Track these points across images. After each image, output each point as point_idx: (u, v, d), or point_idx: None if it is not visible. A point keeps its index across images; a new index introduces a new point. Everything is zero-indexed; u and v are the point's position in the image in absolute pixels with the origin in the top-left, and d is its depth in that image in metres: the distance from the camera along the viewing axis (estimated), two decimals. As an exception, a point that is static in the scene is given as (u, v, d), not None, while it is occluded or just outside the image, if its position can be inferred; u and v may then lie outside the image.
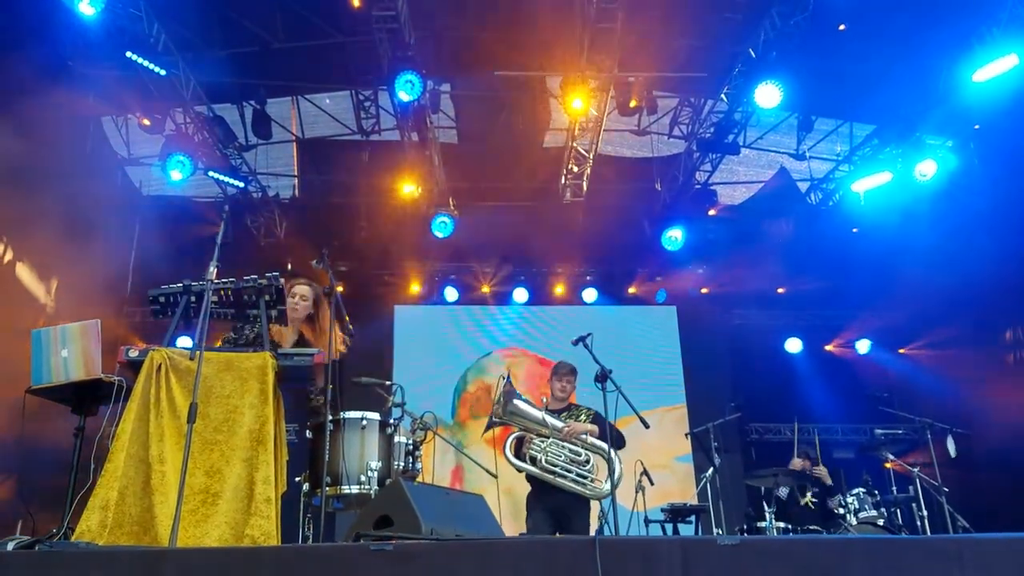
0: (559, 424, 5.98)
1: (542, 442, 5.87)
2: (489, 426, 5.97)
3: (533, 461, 5.83)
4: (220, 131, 10.46)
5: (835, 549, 3.04)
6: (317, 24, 9.79)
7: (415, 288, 13.00)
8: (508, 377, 6.00)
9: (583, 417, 6.16)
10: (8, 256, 9.24)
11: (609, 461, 5.51)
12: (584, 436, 5.96)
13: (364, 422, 5.04)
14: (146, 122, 10.16)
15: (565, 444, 5.88)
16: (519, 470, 5.95)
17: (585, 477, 5.87)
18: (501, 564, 3.06)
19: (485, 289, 13.24)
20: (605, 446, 5.74)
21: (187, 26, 8.88)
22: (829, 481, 7.50)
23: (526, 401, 6.07)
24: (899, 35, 9.29)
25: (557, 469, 5.82)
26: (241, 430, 4.31)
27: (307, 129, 12.29)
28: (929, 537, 5.61)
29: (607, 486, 5.70)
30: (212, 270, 4.28)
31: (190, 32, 8.98)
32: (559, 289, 13.20)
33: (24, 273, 9.46)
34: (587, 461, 5.91)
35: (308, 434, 5.07)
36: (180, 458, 3.93)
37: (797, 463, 7.81)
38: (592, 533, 6.08)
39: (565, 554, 3.05)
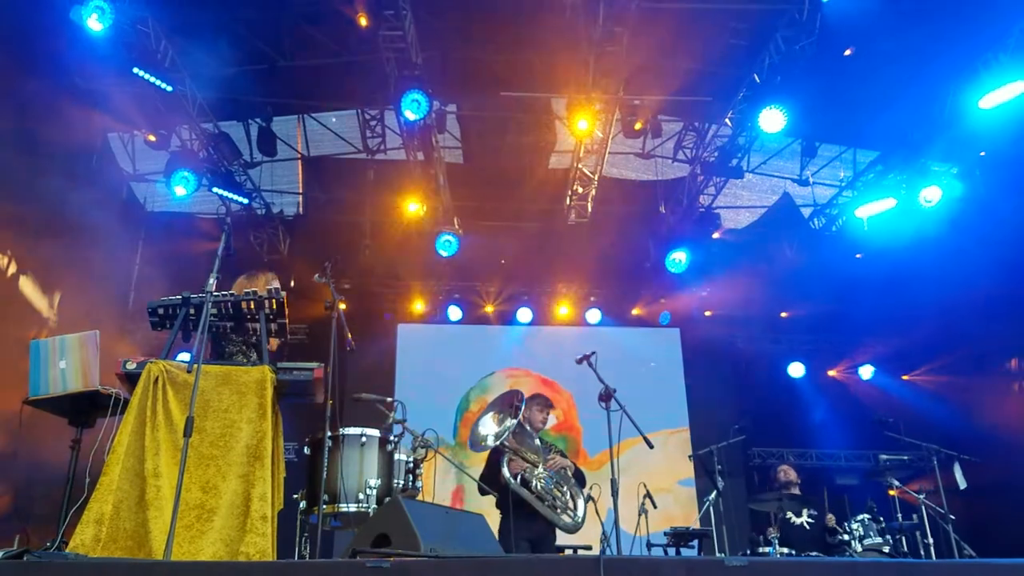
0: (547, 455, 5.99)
1: (535, 469, 5.83)
2: (484, 447, 5.80)
3: (526, 485, 5.75)
4: (225, 148, 10.49)
5: (842, 572, 2.98)
6: (325, 43, 9.84)
7: (418, 307, 12.98)
8: (524, 397, 5.90)
9: (554, 451, 6.20)
10: (12, 269, 9.22)
11: (573, 498, 5.79)
12: (563, 470, 5.96)
13: (364, 439, 5.00)
14: (152, 138, 10.21)
15: (553, 475, 5.86)
16: (511, 493, 5.77)
17: (565, 508, 5.87)
18: (500, 583, 3.00)
19: (489, 308, 13.21)
20: (577, 485, 5.96)
21: (194, 43, 8.91)
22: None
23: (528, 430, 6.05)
24: (904, 61, 9.29)
25: (546, 497, 5.78)
26: (238, 445, 4.26)
27: (312, 147, 12.33)
28: (935, 562, 5.53)
29: (579, 518, 5.87)
30: (211, 282, 4.25)
31: (197, 49, 9.01)
32: (563, 309, 13.16)
33: (27, 286, 9.44)
34: (566, 493, 5.92)
35: (306, 450, 5.02)
36: (176, 473, 3.88)
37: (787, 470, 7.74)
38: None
39: (567, 573, 2.99)
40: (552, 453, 6.09)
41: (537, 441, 6.04)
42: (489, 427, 5.69)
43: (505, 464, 5.77)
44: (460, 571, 3.07)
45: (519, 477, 5.74)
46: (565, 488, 5.91)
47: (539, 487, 5.76)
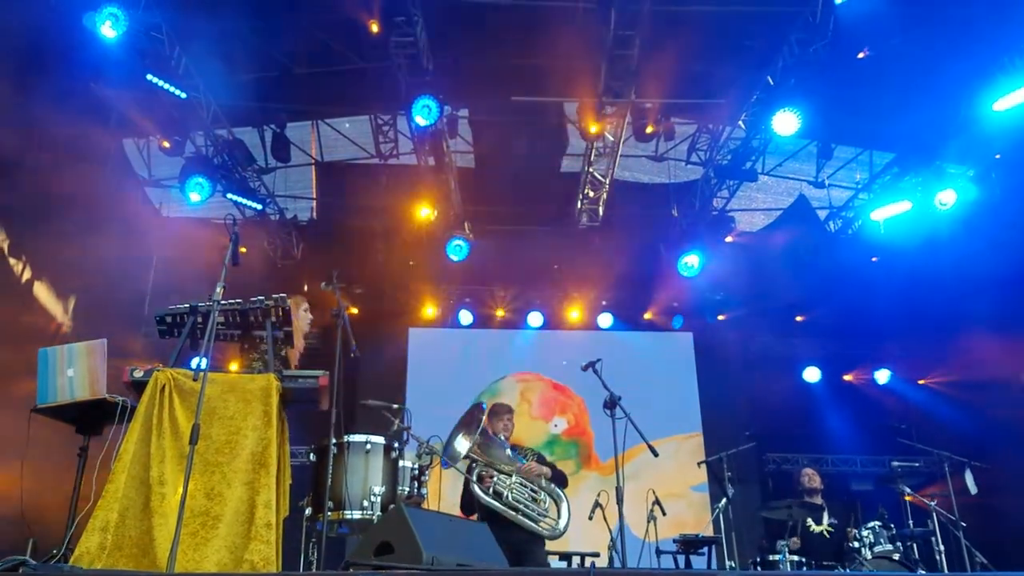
0: (520, 462, 5.90)
1: (507, 478, 5.73)
2: (454, 462, 5.74)
3: (498, 496, 5.67)
4: (239, 154, 10.58)
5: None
6: (337, 50, 9.89)
7: (430, 311, 13.00)
8: (485, 408, 5.87)
9: (531, 457, 6.11)
10: (27, 274, 9.33)
11: (556, 503, 5.78)
12: (539, 477, 5.89)
13: (368, 446, 5.01)
14: (166, 144, 10.27)
15: (527, 483, 5.78)
16: (481, 504, 5.73)
17: (542, 516, 5.77)
18: (494, 595, 3.00)
19: (500, 313, 13.21)
20: (559, 490, 5.88)
21: (208, 50, 8.98)
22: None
23: (495, 438, 6.00)
24: (919, 63, 9.23)
25: (520, 506, 5.68)
26: (243, 452, 4.29)
27: (326, 152, 12.39)
28: (935, 575, 5.46)
29: (560, 524, 5.78)
30: (218, 291, 4.28)
31: (211, 56, 9.08)
32: (574, 314, 13.14)
33: (42, 291, 9.55)
34: (544, 500, 5.82)
35: (311, 457, 5.04)
36: (181, 480, 3.91)
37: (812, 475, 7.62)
38: (587, 565, 6.01)
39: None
40: (528, 460, 6.02)
41: (508, 451, 5.92)
42: (462, 444, 5.62)
43: (475, 479, 5.69)
44: (453, 584, 3.06)
45: (491, 489, 5.66)
46: (542, 495, 5.82)
47: (511, 497, 5.66)
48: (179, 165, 10.46)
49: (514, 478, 5.75)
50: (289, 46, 9.91)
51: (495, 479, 5.72)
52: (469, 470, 5.77)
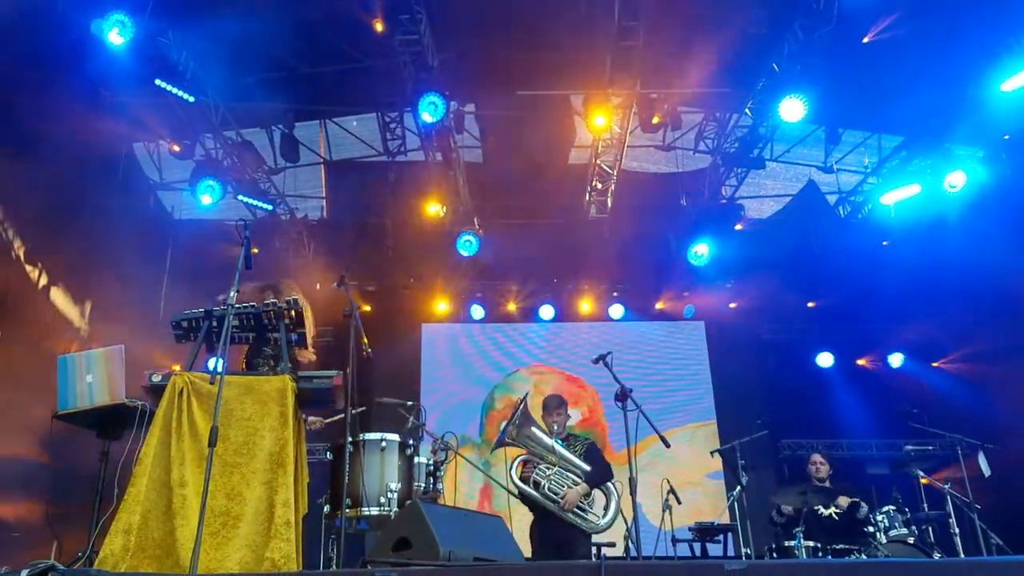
0: (567, 454, 5.92)
1: (547, 469, 5.81)
2: (498, 444, 5.93)
3: (536, 486, 5.75)
4: (248, 155, 10.65)
5: (843, 573, 2.99)
6: (343, 49, 9.93)
7: (442, 307, 13.05)
8: (526, 399, 5.97)
9: (579, 447, 6.11)
10: (43, 280, 9.44)
11: (608, 494, 5.83)
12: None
13: (384, 443, 5.08)
14: (176, 148, 10.35)
15: (568, 474, 5.81)
16: (521, 493, 5.85)
17: (584, 510, 5.81)
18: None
19: (511, 306, 13.25)
20: (610, 484, 5.94)
21: (214, 54, 9.04)
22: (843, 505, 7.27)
23: (539, 428, 6.05)
24: (925, 45, 9.18)
25: (558, 498, 5.74)
26: (261, 453, 4.37)
27: (334, 151, 12.44)
28: (942, 561, 5.48)
29: (604, 520, 5.81)
30: (232, 295, 4.34)
31: (217, 59, 9.15)
32: (585, 305, 13.17)
33: (58, 297, 9.66)
34: (587, 494, 5.86)
35: (328, 455, 5.12)
36: (201, 481, 3.98)
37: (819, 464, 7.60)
38: (601, 555, 6.09)
39: (572, 579, 3.04)
40: (576, 451, 6.04)
41: (552, 441, 5.97)
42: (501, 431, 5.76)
43: (514, 466, 5.82)
44: (469, 578, 3.12)
45: (530, 480, 5.76)
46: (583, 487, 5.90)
47: (547, 487, 5.73)
48: (190, 168, 10.55)
49: (554, 469, 5.80)
50: (295, 46, 9.95)
51: (535, 469, 5.79)
52: (517, 458, 5.85)
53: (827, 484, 7.45)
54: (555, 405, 6.22)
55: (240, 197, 10.69)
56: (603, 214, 12.02)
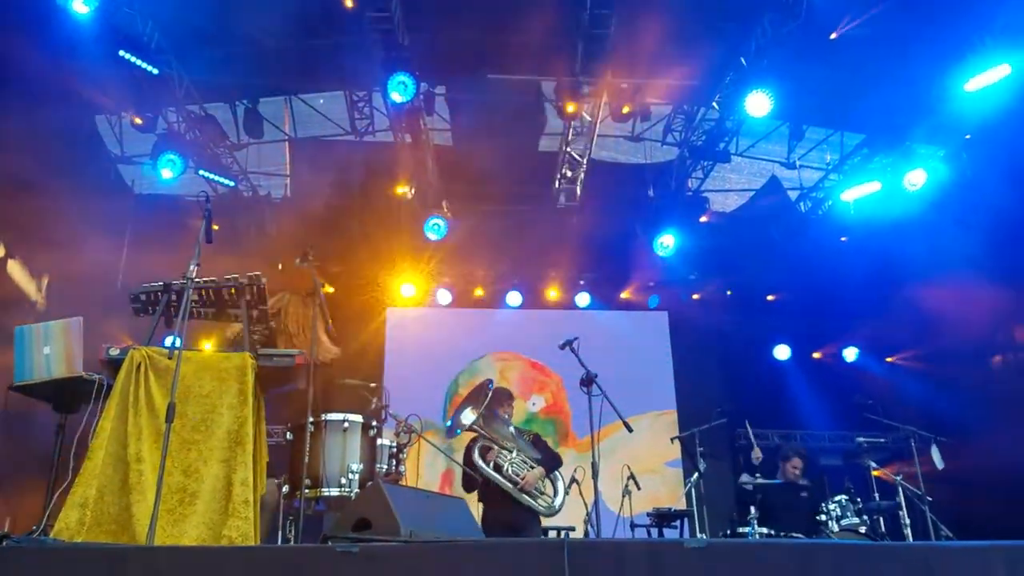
0: (521, 443, 6.14)
1: (508, 453, 5.99)
2: (468, 428, 5.96)
3: (498, 469, 5.92)
4: (211, 129, 10.48)
5: (801, 553, 3.06)
6: (311, 24, 9.78)
7: (408, 290, 12.98)
8: (492, 385, 6.02)
9: (527, 437, 6.35)
10: (0, 252, 9.23)
11: (552, 483, 6.16)
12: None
13: (346, 424, 5.06)
14: (138, 120, 10.14)
15: (527, 460, 6.02)
16: (482, 476, 5.96)
17: (540, 492, 6.08)
18: (469, 566, 3.07)
19: (478, 292, 13.24)
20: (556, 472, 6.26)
21: (180, 25, 8.87)
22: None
23: (500, 416, 6.19)
24: (890, 44, 9.31)
25: (519, 479, 5.93)
26: (219, 430, 4.33)
27: (300, 129, 12.28)
28: (897, 544, 5.62)
29: (557, 501, 6.12)
30: (192, 268, 4.28)
31: (183, 31, 8.97)
32: (552, 293, 13.20)
33: (15, 270, 9.44)
34: (543, 477, 6.12)
35: (288, 435, 5.08)
36: (158, 458, 3.94)
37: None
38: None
39: (533, 556, 3.06)
40: (525, 440, 6.24)
41: (511, 429, 6.16)
42: (468, 416, 5.83)
43: (476, 450, 5.94)
44: (428, 555, 3.13)
45: (491, 463, 5.90)
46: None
47: (510, 471, 5.92)
48: (151, 142, 10.35)
49: (515, 454, 5.97)
50: (262, 20, 9.76)
51: (497, 453, 5.92)
52: (473, 440, 5.99)
53: (803, 481, 7.58)
54: (506, 397, 6.41)
55: (201, 172, 10.52)
56: (572, 202, 12.05)
